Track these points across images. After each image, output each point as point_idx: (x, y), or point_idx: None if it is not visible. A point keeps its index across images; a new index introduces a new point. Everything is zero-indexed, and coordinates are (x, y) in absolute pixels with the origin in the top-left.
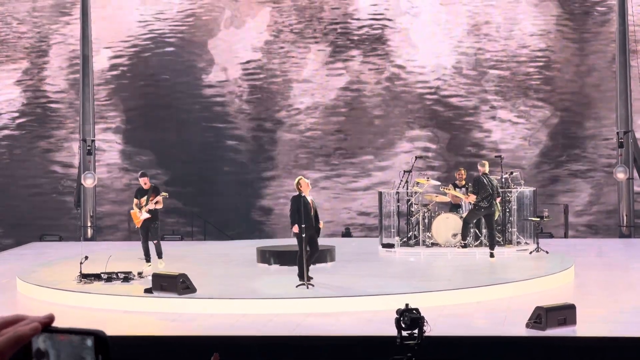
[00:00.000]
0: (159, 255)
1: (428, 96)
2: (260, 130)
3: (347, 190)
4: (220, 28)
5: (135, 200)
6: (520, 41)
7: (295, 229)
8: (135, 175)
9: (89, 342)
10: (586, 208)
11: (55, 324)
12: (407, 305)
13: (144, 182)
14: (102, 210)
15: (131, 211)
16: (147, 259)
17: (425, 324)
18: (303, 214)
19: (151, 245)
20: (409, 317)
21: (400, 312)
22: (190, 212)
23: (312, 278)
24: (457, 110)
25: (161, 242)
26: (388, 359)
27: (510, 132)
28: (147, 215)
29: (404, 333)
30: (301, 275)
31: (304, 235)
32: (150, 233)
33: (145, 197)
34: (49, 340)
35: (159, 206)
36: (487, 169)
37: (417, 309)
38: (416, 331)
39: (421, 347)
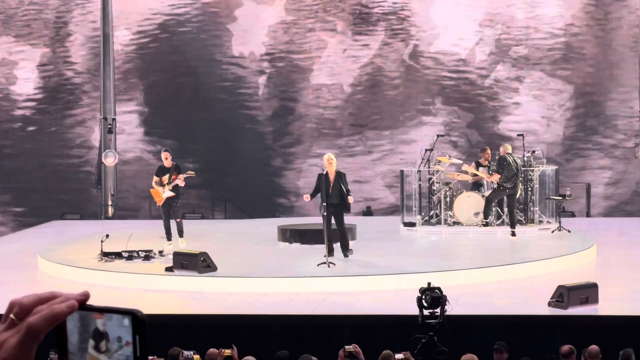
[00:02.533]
0: (180, 233)
1: (450, 75)
2: (282, 109)
3: (369, 169)
4: (242, 6)
5: (156, 178)
6: (543, 20)
7: (306, 198)
8: (154, 150)
9: (126, 321)
10: (609, 187)
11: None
12: (429, 284)
13: (165, 157)
14: (123, 189)
15: (151, 189)
16: (169, 237)
17: (446, 303)
18: (323, 191)
19: (173, 224)
20: (431, 296)
21: (422, 291)
22: (211, 191)
23: (351, 251)
24: (479, 89)
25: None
26: (409, 338)
27: (533, 111)
28: (170, 194)
29: (426, 312)
30: (329, 250)
31: (324, 214)
32: (172, 211)
33: (167, 175)
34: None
35: (182, 184)
36: (509, 150)
37: (439, 288)
38: (438, 310)
39: (443, 326)
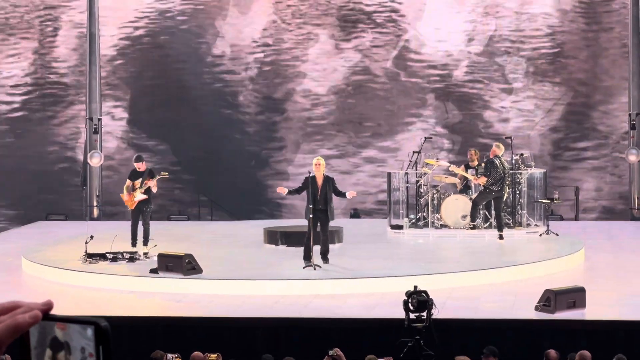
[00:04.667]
0: (146, 240)
1: (439, 76)
2: (269, 111)
3: (355, 171)
4: (228, 8)
5: (128, 182)
6: (534, 21)
7: (281, 190)
8: (139, 149)
9: (89, 331)
10: (597, 190)
11: (61, 303)
12: (415, 287)
13: (139, 167)
14: (108, 190)
15: (121, 194)
16: (134, 243)
17: (433, 306)
18: (309, 195)
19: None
20: (417, 300)
21: (409, 295)
22: (197, 192)
23: (319, 266)
24: (468, 90)
25: (167, 222)
26: (395, 342)
27: (521, 113)
28: (143, 197)
29: (412, 316)
30: (306, 257)
31: (311, 216)
32: (142, 216)
33: (140, 180)
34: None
35: (154, 189)
36: (501, 151)
37: (425, 292)
38: (424, 314)
39: (429, 329)
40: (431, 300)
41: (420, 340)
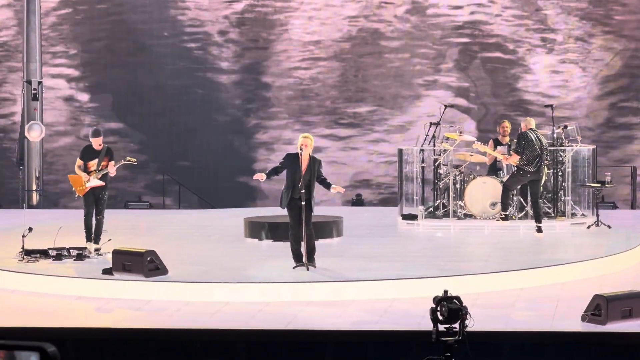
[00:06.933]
0: (97, 235)
1: (462, 30)
2: (250, 74)
3: (359, 149)
4: None
5: (80, 162)
6: None
7: (258, 176)
8: (89, 121)
9: (34, 359)
10: None
11: None
12: (445, 292)
13: (99, 144)
14: (51, 170)
15: (70, 175)
16: (89, 237)
17: (467, 316)
18: (289, 178)
19: None
20: (448, 308)
21: (437, 301)
22: (161, 174)
23: (313, 266)
24: (498, 48)
25: (124, 210)
26: None
27: (566, 76)
28: (99, 183)
29: (441, 327)
30: (297, 257)
31: (291, 206)
32: (97, 205)
33: (96, 160)
34: None
35: (113, 173)
36: (533, 125)
37: (458, 298)
38: (457, 325)
39: (463, 345)
40: (465, 308)
41: (452, 358)
